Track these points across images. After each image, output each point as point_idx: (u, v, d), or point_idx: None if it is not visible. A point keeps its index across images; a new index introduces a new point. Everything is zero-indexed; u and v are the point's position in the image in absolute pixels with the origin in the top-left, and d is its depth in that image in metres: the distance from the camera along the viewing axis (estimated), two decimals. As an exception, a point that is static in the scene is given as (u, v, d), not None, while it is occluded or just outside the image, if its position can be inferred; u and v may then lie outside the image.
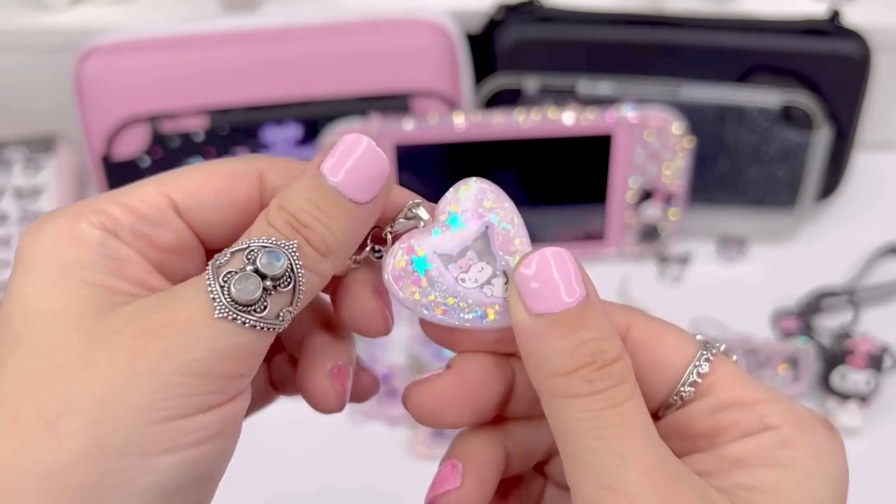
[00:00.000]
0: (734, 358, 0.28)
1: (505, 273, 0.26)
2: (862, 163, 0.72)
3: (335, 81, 0.64)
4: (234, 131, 0.64)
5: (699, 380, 0.27)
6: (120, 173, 0.64)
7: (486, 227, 0.27)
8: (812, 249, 0.69)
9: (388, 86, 0.64)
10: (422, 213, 0.27)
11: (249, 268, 0.24)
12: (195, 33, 0.64)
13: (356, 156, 0.28)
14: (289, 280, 0.24)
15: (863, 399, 0.57)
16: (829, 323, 0.63)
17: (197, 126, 0.63)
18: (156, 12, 0.69)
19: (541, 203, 0.66)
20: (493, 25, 0.67)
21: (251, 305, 0.24)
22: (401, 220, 0.27)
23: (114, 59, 0.63)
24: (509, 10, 0.67)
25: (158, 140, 0.63)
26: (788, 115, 0.65)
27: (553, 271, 0.25)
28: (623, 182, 0.65)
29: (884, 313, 0.64)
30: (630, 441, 0.24)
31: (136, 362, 0.23)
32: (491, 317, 0.26)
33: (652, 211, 0.66)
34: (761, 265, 0.68)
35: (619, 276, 0.67)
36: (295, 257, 0.25)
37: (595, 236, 0.67)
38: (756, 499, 0.25)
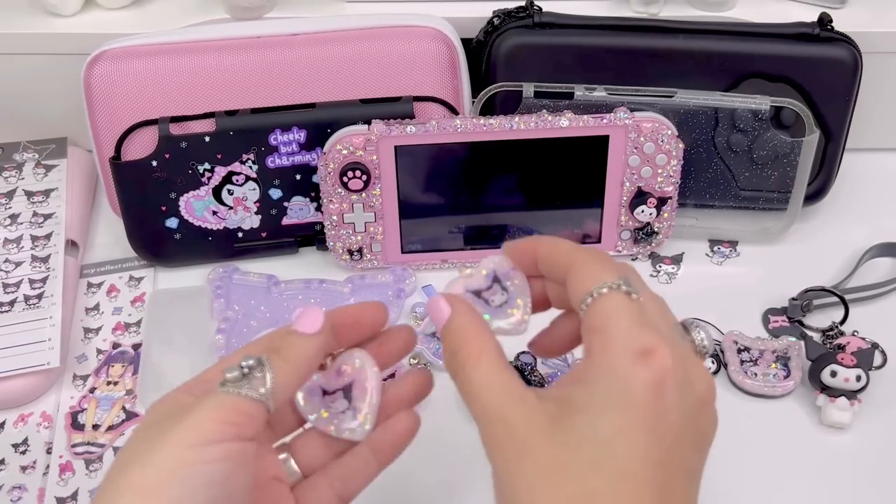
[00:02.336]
0: (634, 296, 0.35)
1: (354, 410, 0.42)
2: (851, 165, 0.73)
3: (339, 86, 0.65)
4: (241, 134, 0.64)
5: (584, 308, 0.36)
6: (129, 175, 0.65)
7: (352, 381, 0.42)
8: (803, 250, 0.70)
9: (390, 91, 0.65)
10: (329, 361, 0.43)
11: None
12: (203, 39, 0.65)
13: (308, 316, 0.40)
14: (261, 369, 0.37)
15: (852, 396, 0.58)
16: (820, 322, 0.64)
17: (204, 129, 0.64)
18: (164, 18, 0.70)
19: (538, 205, 0.67)
20: (491, 31, 0.68)
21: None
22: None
23: (123, 63, 0.64)
24: (507, 16, 0.68)
25: (167, 143, 0.64)
26: (779, 118, 0.66)
27: (433, 308, 0.39)
28: (618, 185, 0.66)
29: (873, 312, 0.65)
30: (471, 399, 0.37)
31: None
32: (333, 432, 0.43)
33: (646, 213, 0.67)
34: (753, 265, 0.69)
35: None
36: (266, 360, 0.38)
37: (591, 238, 0.68)
38: (563, 411, 0.34)
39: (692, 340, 0.38)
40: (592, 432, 0.33)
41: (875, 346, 0.61)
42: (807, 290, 0.65)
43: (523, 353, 0.61)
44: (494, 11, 0.68)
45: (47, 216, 0.69)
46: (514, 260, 0.40)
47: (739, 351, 0.61)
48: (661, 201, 0.66)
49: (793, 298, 0.65)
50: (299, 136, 0.65)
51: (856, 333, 0.62)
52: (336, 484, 0.42)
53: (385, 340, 0.43)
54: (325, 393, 0.42)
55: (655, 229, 0.67)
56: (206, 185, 0.66)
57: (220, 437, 0.35)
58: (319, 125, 0.65)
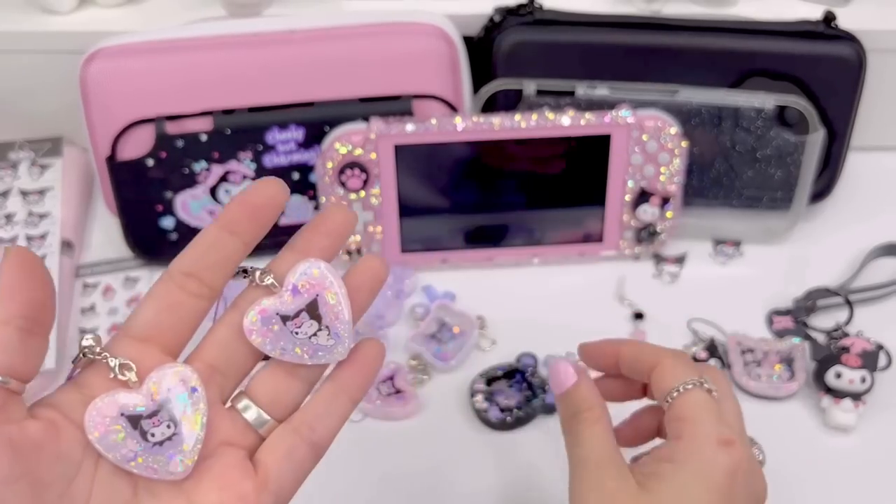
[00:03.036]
0: (714, 394, 0.42)
1: (328, 328, 0.36)
2: (856, 164, 0.72)
3: (337, 84, 0.64)
4: (238, 133, 0.64)
5: (669, 401, 0.42)
6: (125, 174, 0.65)
7: (316, 296, 0.36)
8: (807, 250, 0.69)
9: (390, 88, 0.65)
10: (270, 281, 0.36)
11: None
12: (199, 36, 0.64)
13: None
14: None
15: (857, 397, 0.57)
16: (824, 322, 0.64)
17: (201, 128, 0.64)
18: (160, 15, 0.70)
19: (539, 205, 0.67)
20: (492, 29, 0.67)
21: None
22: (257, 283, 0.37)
23: (119, 61, 0.63)
24: (508, 13, 0.67)
25: (163, 141, 0.63)
26: (783, 117, 0.65)
27: (562, 371, 0.45)
28: (621, 184, 0.65)
29: (878, 313, 0.65)
30: (579, 449, 0.42)
31: None
32: (308, 360, 0.36)
33: (649, 212, 0.66)
34: (757, 265, 0.68)
35: (616, 276, 0.67)
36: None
37: (593, 237, 0.68)
38: (652, 484, 0.40)
39: (754, 447, 0.47)
40: (677, 499, 0.39)
41: (880, 347, 0.60)
42: (811, 291, 0.65)
43: (524, 354, 0.61)
44: (496, 8, 0.68)
45: (43, 216, 0.68)
46: (588, 359, 0.47)
47: (743, 352, 0.61)
48: (664, 200, 0.66)
49: (797, 299, 0.65)
50: (297, 134, 0.65)
51: (860, 335, 0.61)
52: (305, 431, 0.37)
53: (317, 229, 0.38)
54: (285, 319, 0.36)
55: (658, 229, 0.67)
56: (203, 184, 0.65)
57: None
58: (317, 123, 0.64)
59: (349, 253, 0.67)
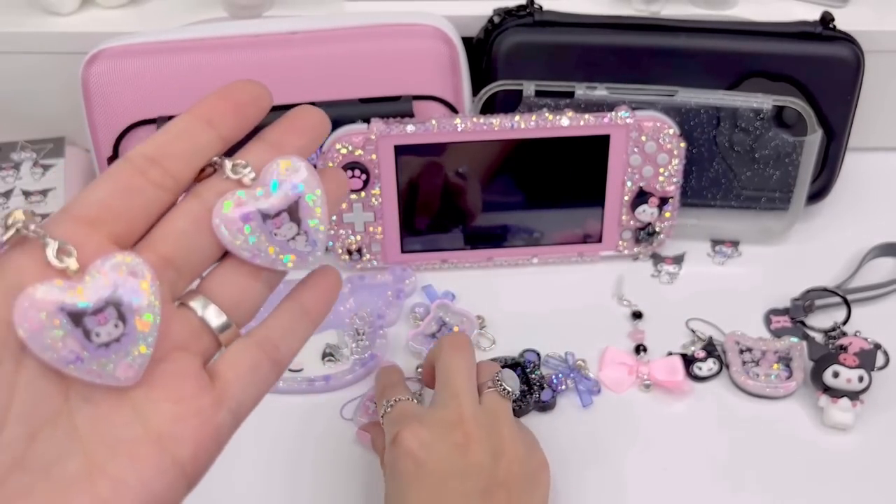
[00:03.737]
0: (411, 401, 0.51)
1: (307, 233, 0.33)
2: (854, 165, 0.73)
3: (338, 85, 0.65)
4: (239, 134, 0.64)
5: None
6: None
7: (298, 197, 0.32)
8: (805, 250, 0.69)
9: (390, 90, 0.65)
10: (248, 173, 0.32)
11: None
12: (201, 38, 0.64)
13: None
14: None
15: (855, 397, 0.57)
16: (822, 322, 0.64)
17: (202, 129, 0.64)
18: (162, 17, 0.70)
19: (539, 205, 0.67)
20: (492, 30, 0.67)
21: None
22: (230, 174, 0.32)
23: (121, 62, 0.63)
24: (507, 14, 0.67)
25: (164, 142, 0.64)
26: (781, 117, 0.65)
27: None
28: (619, 184, 0.66)
29: (875, 312, 0.65)
30: None
31: None
32: (289, 264, 0.33)
33: (648, 212, 0.66)
34: (755, 265, 0.69)
35: (615, 276, 0.68)
36: None
37: (592, 238, 0.68)
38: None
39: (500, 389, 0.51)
40: None
41: (877, 346, 0.60)
42: (809, 291, 0.65)
43: (528, 350, 0.61)
44: (495, 10, 0.68)
45: (45, 216, 0.68)
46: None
47: (741, 351, 0.61)
48: (663, 201, 0.66)
49: (795, 299, 0.65)
50: (298, 135, 0.65)
51: (858, 334, 0.61)
52: (269, 347, 0.33)
53: (293, 125, 0.35)
54: (265, 217, 0.32)
55: (657, 229, 0.67)
56: (205, 184, 0.66)
57: None
58: (318, 124, 0.64)
59: (350, 252, 0.67)
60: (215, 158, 0.32)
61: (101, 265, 0.29)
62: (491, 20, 0.68)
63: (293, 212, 0.32)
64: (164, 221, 0.31)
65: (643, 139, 0.63)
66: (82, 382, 0.29)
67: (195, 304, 0.32)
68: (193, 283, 0.32)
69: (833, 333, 0.63)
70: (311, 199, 0.33)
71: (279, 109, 0.64)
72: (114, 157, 0.64)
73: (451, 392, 0.49)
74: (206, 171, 0.32)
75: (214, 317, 0.32)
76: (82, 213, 0.29)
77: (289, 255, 0.33)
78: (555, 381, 0.59)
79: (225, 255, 0.33)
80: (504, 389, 0.50)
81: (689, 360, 0.61)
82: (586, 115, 0.63)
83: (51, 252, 0.28)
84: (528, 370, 0.60)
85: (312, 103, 0.64)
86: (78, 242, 0.29)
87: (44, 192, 0.70)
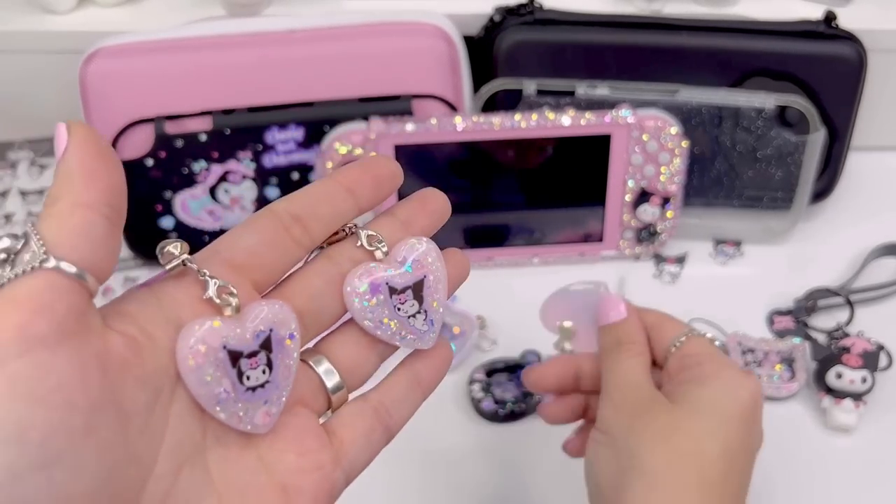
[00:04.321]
0: (708, 335, 0.46)
1: (426, 312, 0.34)
2: (857, 164, 0.72)
3: (337, 84, 0.64)
4: (238, 133, 0.64)
5: (677, 345, 0.46)
6: (124, 174, 0.64)
7: (424, 277, 0.33)
8: (807, 250, 0.69)
9: (389, 88, 0.64)
10: (382, 247, 0.33)
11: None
12: (199, 36, 0.64)
13: None
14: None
15: (858, 397, 0.57)
16: (825, 322, 0.64)
17: (200, 128, 0.64)
18: (160, 15, 0.70)
19: (539, 205, 0.67)
20: (493, 28, 0.67)
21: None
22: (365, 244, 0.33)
23: (118, 61, 0.63)
24: (508, 13, 0.67)
25: (162, 141, 0.63)
26: (784, 116, 0.65)
27: (613, 305, 0.48)
28: (621, 183, 0.65)
29: (879, 313, 0.65)
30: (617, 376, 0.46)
31: None
32: (404, 342, 0.34)
33: (649, 212, 0.66)
34: (757, 265, 0.68)
35: (616, 276, 0.67)
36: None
37: (593, 237, 0.68)
38: (684, 398, 0.43)
39: None
40: (711, 411, 0.42)
41: (881, 347, 0.60)
42: (812, 291, 0.65)
43: (528, 351, 0.61)
44: (496, 8, 0.68)
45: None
46: (537, 384, 0.50)
47: (744, 352, 0.61)
48: (665, 200, 0.66)
49: (797, 299, 0.65)
50: (297, 134, 0.64)
51: (861, 335, 0.61)
52: (383, 413, 0.33)
53: (423, 206, 0.36)
54: (392, 292, 0.33)
55: (658, 229, 0.67)
56: (202, 184, 0.65)
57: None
58: (317, 123, 0.64)
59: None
60: (350, 225, 0.33)
61: (257, 310, 0.29)
62: (492, 18, 0.68)
63: (417, 290, 0.33)
64: (298, 277, 0.32)
65: (645, 138, 0.63)
66: (218, 424, 0.29)
67: (314, 361, 0.32)
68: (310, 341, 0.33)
69: (836, 334, 0.62)
70: (434, 280, 0.34)
71: (279, 109, 0.64)
72: (111, 156, 0.64)
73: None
74: (338, 235, 0.33)
75: (331, 377, 0.32)
76: (232, 257, 0.30)
77: (408, 334, 0.34)
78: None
79: (346, 320, 0.33)
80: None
81: (691, 361, 0.61)
82: (587, 114, 0.62)
83: (212, 290, 0.29)
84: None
85: (311, 102, 0.64)
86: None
87: (41, 192, 0.70)
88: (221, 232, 0.66)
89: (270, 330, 0.29)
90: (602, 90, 0.64)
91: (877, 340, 0.60)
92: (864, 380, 0.57)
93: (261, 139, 0.64)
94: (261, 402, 0.29)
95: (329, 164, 0.62)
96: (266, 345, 0.29)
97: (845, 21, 0.66)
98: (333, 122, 0.63)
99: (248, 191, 0.66)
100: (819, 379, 0.58)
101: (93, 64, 0.63)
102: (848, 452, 0.57)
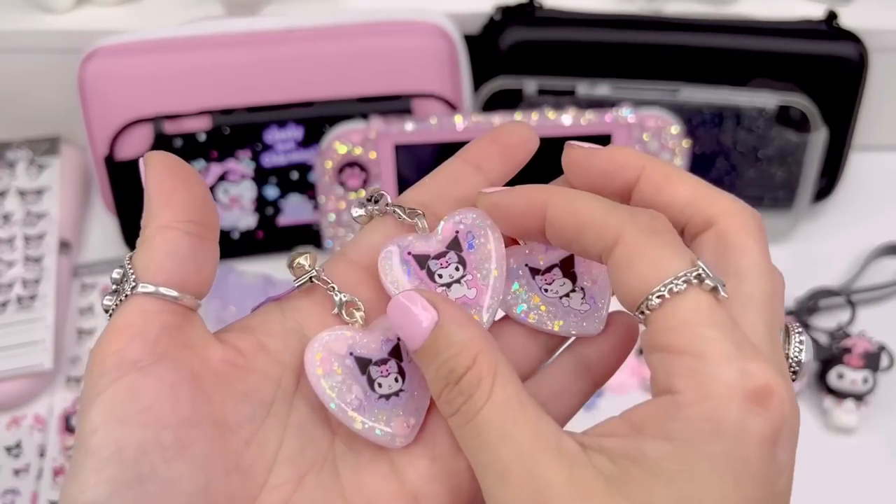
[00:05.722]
0: (721, 294, 0.24)
1: (583, 290, 0.29)
2: (858, 164, 0.72)
3: (336, 83, 0.64)
4: (237, 132, 0.64)
5: (647, 311, 0.24)
6: (123, 174, 0.64)
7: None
8: (809, 250, 0.69)
9: (389, 87, 0.64)
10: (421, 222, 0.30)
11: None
12: (198, 35, 0.64)
13: None
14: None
15: (859, 398, 0.57)
16: (826, 323, 0.63)
17: (199, 127, 0.63)
18: (159, 14, 0.69)
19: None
20: (493, 27, 0.67)
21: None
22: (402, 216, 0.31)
23: (117, 60, 0.63)
24: (508, 12, 0.67)
25: (161, 141, 0.63)
26: (785, 116, 0.65)
27: (408, 311, 0.27)
28: (622, 183, 0.65)
29: (880, 313, 0.64)
30: (484, 451, 0.25)
31: None
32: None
33: (650, 211, 0.66)
34: (758, 265, 0.68)
35: (617, 276, 0.67)
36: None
37: (594, 237, 0.67)
38: (633, 476, 0.23)
39: (786, 354, 0.28)
40: None
41: (882, 348, 0.60)
42: (813, 291, 0.65)
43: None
44: (496, 7, 0.67)
45: (40, 215, 0.68)
46: (499, 220, 0.30)
47: (745, 353, 0.61)
48: (665, 200, 0.65)
49: (799, 299, 0.64)
50: (296, 133, 0.64)
51: (863, 335, 0.61)
52: (551, 402, 0.29)
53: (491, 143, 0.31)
54: (534, 273, 0.30)
55: (659, 229, 0.67)
56: (202, 183, 0.65)
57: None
58: (317, 122, 0.64)
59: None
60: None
61: (384, 320, 0.28)
62: (492, 17, 0.67)
63: (566, 266, 0.30)
64: None
65: (646, 138, 0.63)
66: (347, 431, 0.28)
67: None
68: None
69: (837, 334, 0.62)
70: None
71: (279, 108, 0.64)
72: (110, 155, 0.64)
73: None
74: (368, 202, 0.32)
75: None
76: (358, 258, 0.30)
77: (558, 316, 0.30)
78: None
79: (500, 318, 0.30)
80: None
81: (692, 362, 0.60)
82: (588, 114, 0.62)
83: (338, 305, 0.29)
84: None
85: (311, 102, 0.64)
86: (356, 292, 0.29)
87: (39, 192, 0.69)
88: (220, 231, 0.66)
89: (398, 338, 0.28)
90: (603, 89, 0.64)
91: (878, 341, 0.60)
92: (865, 380, 0.57)
93: (260, 138, 0.64)
94: (398, 411, 0.28)
95: (329, 164, 0.62)
96: (395, 353, 0.29)
97: (846, 20, 0.66)
98: (333, 122, 0.63)
99: (248, 190, 0.66)
100: (820, 380, 0.58)
101: (91, 63, 0.63)
102: (849, 453, 0.57)
